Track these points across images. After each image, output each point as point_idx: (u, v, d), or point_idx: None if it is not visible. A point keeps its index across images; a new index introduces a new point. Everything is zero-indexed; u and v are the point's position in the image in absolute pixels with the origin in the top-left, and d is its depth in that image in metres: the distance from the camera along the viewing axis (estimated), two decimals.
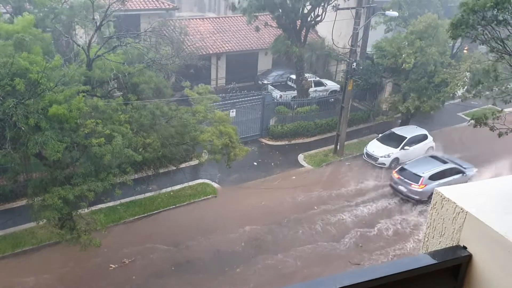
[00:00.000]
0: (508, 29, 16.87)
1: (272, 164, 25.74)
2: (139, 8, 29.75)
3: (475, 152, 25.99)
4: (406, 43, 25.41)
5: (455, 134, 29.26)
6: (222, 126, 17.30)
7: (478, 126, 19.82)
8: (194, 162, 21.99)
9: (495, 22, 16.48)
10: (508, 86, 21.72)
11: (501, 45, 17.12)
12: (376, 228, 20.69)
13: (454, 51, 27.75)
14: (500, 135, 19.63)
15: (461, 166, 23.38)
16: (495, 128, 19.49)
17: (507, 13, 16.20)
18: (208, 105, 17.80)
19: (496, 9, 16.01)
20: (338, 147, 26.80)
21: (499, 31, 17.16)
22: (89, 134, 14.27)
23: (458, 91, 24.62)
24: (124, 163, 14.70)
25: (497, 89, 21.30)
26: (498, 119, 19.35)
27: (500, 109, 20.46)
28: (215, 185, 23.24)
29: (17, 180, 17.23)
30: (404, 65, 24.96)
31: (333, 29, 24.57)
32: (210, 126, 17.63)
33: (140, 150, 15.03)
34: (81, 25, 20.96)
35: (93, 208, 19.25)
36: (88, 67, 16.18)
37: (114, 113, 15.10)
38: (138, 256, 18.08)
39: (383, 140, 26.67)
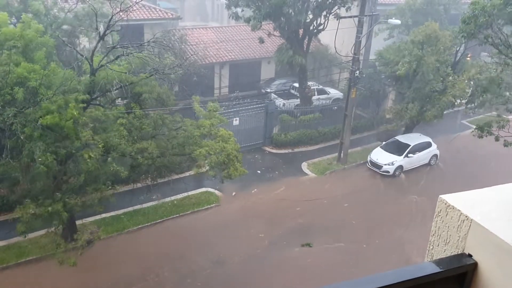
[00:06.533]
0: None
1: (276, 172, 25.70)
2: (142, 18, 29.97)
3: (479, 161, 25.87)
4: (406, 52, 25.41)
5: (458, 142, 29.13)
6: (225, 143, 17.22)
7: (483, 137, 19.64)
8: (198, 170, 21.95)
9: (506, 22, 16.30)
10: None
11: (509, 48, 16.97)
12: None
13: (457, 58, 27.63)
14: (506, 145, 19.36)
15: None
16: (500, 136, 19.28)
17: None
18: (214, 123, 17.74)
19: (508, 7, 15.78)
20: (341, 155, 26.75)
21: (507, 34, 17.02)
22: (86, 144, 14.30)
23: (457, 100, 24.50)
24: (109, 179, 14.85)
25: (500, 98, 21.17)
26: (503, 128, 19.13)
27: (505, 116, 20.27)
28: (218, 193, 23.22)
29: (16, 190, 17.18)
30: (397, 72, 24.94)
31: (336, 37, 24.63)
32: (213, 140, 17.55)
33: (136, 156, 14.95)
34: (84, 34, 21.06)
35: (96, 217, 19.27)
36: (91, 76, 16.21)
37: (114, 124, 15.07)
38: (142, 266, 18.05)
39: (387, 148, 26.65)
